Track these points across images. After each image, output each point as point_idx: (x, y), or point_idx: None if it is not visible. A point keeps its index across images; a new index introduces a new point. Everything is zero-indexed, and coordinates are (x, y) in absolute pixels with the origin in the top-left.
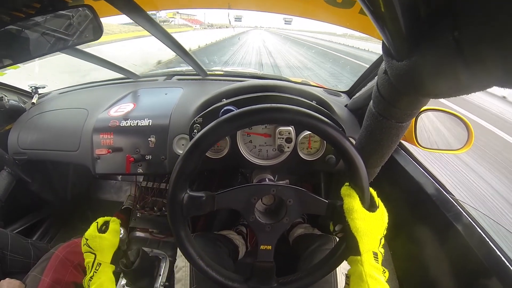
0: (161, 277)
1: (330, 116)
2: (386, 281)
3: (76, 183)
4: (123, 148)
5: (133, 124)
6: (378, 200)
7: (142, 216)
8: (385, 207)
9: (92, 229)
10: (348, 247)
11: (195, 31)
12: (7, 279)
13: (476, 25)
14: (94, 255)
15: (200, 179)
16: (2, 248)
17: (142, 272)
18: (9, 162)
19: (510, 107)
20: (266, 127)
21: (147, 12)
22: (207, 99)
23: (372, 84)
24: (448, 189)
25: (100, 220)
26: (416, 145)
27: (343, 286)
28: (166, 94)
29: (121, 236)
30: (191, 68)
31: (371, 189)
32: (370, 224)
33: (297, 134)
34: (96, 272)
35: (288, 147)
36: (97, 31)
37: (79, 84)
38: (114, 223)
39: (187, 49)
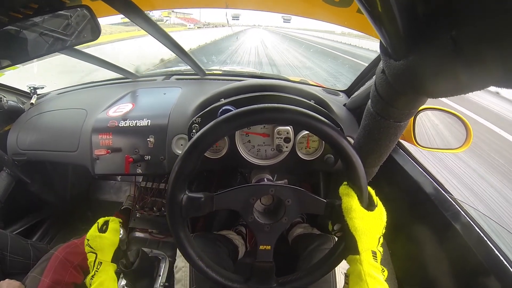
0: (160, 277)
1: (328, 115)
2: (385, 280)
3: (75, 183)
4: (122, 149)
5: (132, 124)
6: (376, 199)
7: (141, 217)
8: (384, 206)
9: (93, 229)
10: (347, 246)
11: (189, 30)
12: (6, 280)
13: (474, 25)
14: (95, 255)
15: (199, 179)
16: (1, 249)
17: (142, 273)
18: (9, 163)
19: (502, 102)
20: (264, 127)
21: (145, 12)
22: (205, 99)
23: (370, 83)
24: (446, 188)
25: (101, 221)
26: (414, 144)
27: (342, 286)
28: (164, 94)
29: (120, 236)
30: (189, 67)
31: (369, 188)
32: (368, 223)
33: (295, 134)
34: (97, 271)
35: (286, 147)
36: (95, 31)
37: (78, 84)
38: (114, 223)
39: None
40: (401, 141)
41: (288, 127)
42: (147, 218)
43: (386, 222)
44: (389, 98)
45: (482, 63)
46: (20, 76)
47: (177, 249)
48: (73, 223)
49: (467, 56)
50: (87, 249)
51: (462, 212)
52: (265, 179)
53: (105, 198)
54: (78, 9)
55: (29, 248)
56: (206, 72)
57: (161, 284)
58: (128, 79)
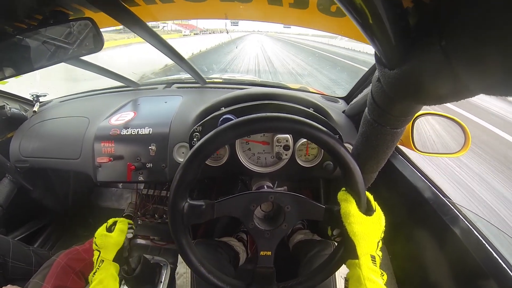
0: (162, 284)
1: (327, 123)
2: (385, 284)
3: (77, 190)
4: (124, 156)
5: (133, 132)
6: (375, 204)
7: (143, 224)
8: (383, 211)
9: (101, 228)
10: (346, 251)
11: (185, 37)
12: (8, 286)
13: (462, 35)
14: (99, 252)
15: (200, 186)
16: (3, 255)
17: (144, 279)
18: (11, 170)
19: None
20: (264, 135)
21: (147, 23)
22: (206, 108)
23: (368, 90)
24: (445, 193)
25: (110, 221)
26: (413, 150)
27: None
28: (166, 102)
29: (127, 235)
30: (190, 75)
31: (367, 193)
32: (367, 228)
33: (294, 142)
34: (98, 269)
35: (286, 154)
36: (98, 43)
37: (80, 92)
38: (121, 223)
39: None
40: (400, 146)
41: (287, 135)
42: (148, 225)
43: (386, 227)
44: (385, 106)
45: (471, 72)
46: (22, 80)
47: (179, 256)
48: (74, 229)
49: (457, 66)
50: (93, 246)
51: (461, 216)
52: (265, 186)
53: (106, 205)
54: (82, 21)
55: (31, 254)
56: (207, 80)
57: None
58: (129, 87)
